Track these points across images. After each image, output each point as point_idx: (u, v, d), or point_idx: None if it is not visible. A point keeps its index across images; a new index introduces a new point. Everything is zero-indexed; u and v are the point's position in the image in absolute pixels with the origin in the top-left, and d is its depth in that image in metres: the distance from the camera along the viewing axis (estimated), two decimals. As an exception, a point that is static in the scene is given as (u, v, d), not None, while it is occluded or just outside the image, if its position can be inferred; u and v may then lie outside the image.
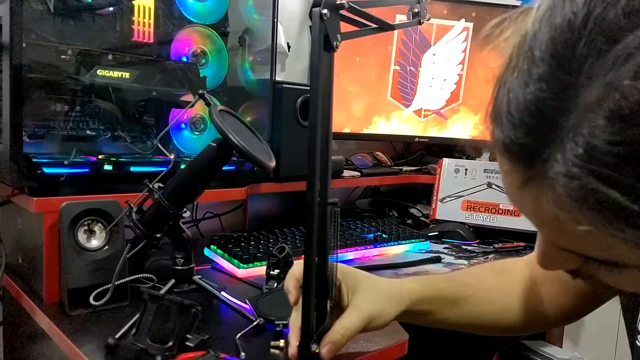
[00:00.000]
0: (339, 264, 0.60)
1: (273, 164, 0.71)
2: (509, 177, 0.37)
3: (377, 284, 0.64)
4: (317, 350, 0.57)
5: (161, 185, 0.71)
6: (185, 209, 0.72)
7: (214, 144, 0.69)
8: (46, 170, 0.80)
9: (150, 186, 0.70)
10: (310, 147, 0.56)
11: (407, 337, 0.72)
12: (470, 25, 1.51)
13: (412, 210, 1.49)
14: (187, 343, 0.62)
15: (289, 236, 1.12)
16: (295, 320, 0.59)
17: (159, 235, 0.71)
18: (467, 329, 0.72)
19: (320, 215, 0.57)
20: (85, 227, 0.77)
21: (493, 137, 0.37)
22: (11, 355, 0.99)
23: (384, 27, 0.68)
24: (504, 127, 0.35)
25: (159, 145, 0.70)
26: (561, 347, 1.49)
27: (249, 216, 1.31)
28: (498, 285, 0.72)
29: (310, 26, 0.55)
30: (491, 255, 1.19)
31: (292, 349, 0.58)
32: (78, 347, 0.65)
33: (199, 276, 0.79)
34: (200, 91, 0.71)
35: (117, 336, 0.64)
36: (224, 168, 1.03)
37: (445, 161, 1.37)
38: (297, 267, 0.61)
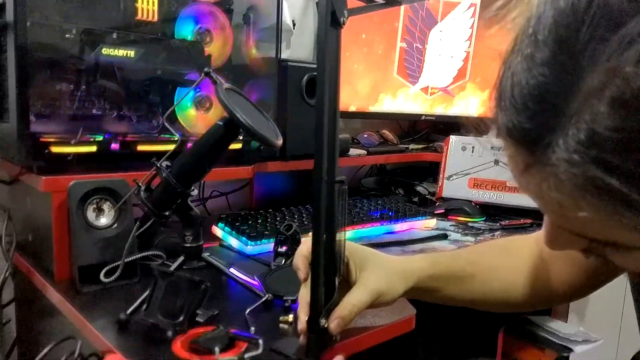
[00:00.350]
0: (347, 241, 0.60)
1: (280, 142, 0.71)
2: (512, 161, 0.38)
3: (384, 261, 0.64)
4: (326, 325, 0.57)
5: (169, 163, 0.71)
6: (193, 187, 0.72)
7: (221, 123, 0.69)
8: (54, 149, 0.81)
9: (158, 165, 0.70)
10: (317, 125, 0.56)
11: (414, 312, 0.73)
12: (478, 1, 1.49)
13: (418, 188, 1.49)
14: (197, 318, 0.63)
15: (296, 214, 1.12)
16: (304, 296, 0.60)
17: (167, 213, 0.71)
18: (474, 305, 0.73)
19: (327, 193, 0.57)
20: (94, 206, 0.78)
21: (497, 120, 0.37)
22: (24, 331, 1.01)
23: (391, 2, 0.67)
24: (507, 111, 0.35)
25: (166, 123, 0.70)
26: (566, 322, 1.50)
27: (256, 195, 1.31)
28: (505, 263, 0.72)
29: (316, 2, 0.54)
30: (498, 232, 1.19)
31: (301, 324, 0.58)
32: (90, 323, 0.66)
33: (208, 253, 0.80)
34: (206, 69, 0.70)
35: (128, 312, 0.65)
36: (230, 147, 1.04)
37: (452, 139, 1.36)
38: (305, 245, 0.62)
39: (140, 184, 0.71)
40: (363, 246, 0.65)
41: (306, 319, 0.58)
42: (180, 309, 0.62)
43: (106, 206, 0.79)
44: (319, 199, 0.57)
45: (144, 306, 0.63)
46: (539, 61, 0.33)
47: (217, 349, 0.54)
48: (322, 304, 0.58)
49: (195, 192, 0.72)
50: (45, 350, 0.49)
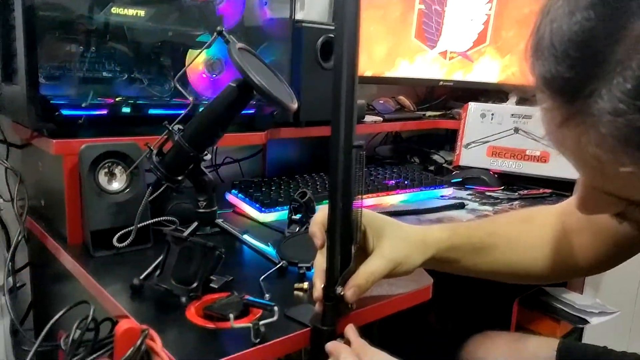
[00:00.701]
0: (364, 210, 0.58)
1: (295, 105, 0.69)
2: (548, 115, 0.35)
3: (403, 230, 0.63)
4: (342, 293, 0.56)
5: (181, 127, 0.69)
6: (206, 152, 0.70)
7: (234, 84, 0.66)
8: (64, 112, 0.79)
9: (170, 128, 0.68)
10: (335, 86, 0.54)
11: (431, 281, 0.72)
12: (501, -40, 1.42)
13: (435, 157, 1.46)
14: (211, 285, 0.62)
15: (310, 182, 1.10)
16: (320, 263, 0.59)
17: (180, 178, 0.69)
18: (493, 277, 0.71)
19: (345, 158, 0.55)
20: (106, 170, 0.76)
21: (533, 71, 0.35)
22: (39, 295, 1.01)
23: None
24: (545, 60, 0.33)
25: (177, 85, 0.68)
26: (581, 294, 1.49)
27: (268, 162, 1.29)
28: (527, 235, 0.70)
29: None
30: (516, 202, 1.16)
31: (317, 291, 0.57)
32: (103, 288, 0.65)
33: (221, 220, 0.78)
34: (218, 28, 0.67)
35: (141, 277, 0.64)
36: (242, 112, 1.02)
37: (471, 105, 1.32)
38: (322, 212, 0.60)
39: (152, 147, 0.69)
40: (381, 214, 0.63)
41: (322, 286, 0.57)
42: (194, 274, 0.61)
43: (118, 170, 0.77)
44: (336, 164, 0.55)
45: (157, 272, 0.62)
46: (583, 4, 0.31)
47: (231, 316, 0.53)
48: (338, 272, 0.56)
49: (208, 157, 0.70)
50: (57, 315, 0.48)
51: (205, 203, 0.71)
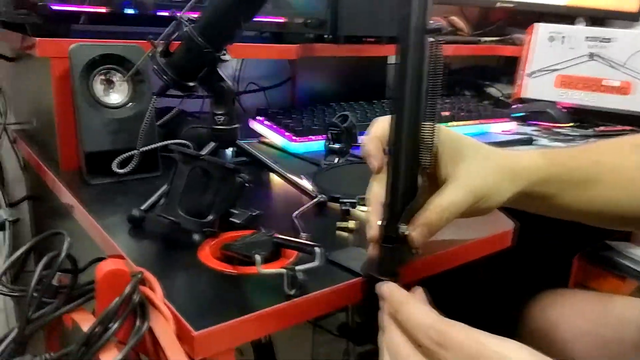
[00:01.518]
0: (438, 125, 0.42)
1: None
2: None
3: (488, 153, 0.47)
4: (407, 233, 0.41)
5: (193, 18, 0.53)
6: (224, 51, 0.54)
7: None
8: (53, 6, 0.63)
9: (179, 17, 0.52)
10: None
11: (512, 225, 0.56)
12: None
13: (489, 90, 1.26)
14: (231, 219, 0.48)
15: (348, 110, 0.94)
16: (376, 193, 0.44)
17: (192, 84, 0.54)
18: (592, 219, 0.55)
19: (417, 47, 0.40)
20: (103, 77, 0.61)
21: None
22: (40, 232, 0.89)
23: None
24: None
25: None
26: (646, 250, 1.32)
27: (299, 91, 1.13)
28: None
29: None
30: (592, 140, 0.98)
31: (373, 230, 0.42)
32: (97, 220, 0.51)
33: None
34: None
35: (143, 207, 0.50)
36: (270, 20, 0.84)
37: (539, 27, 1.11)
38: (380, 124, 0.45)
39: (155, 44, 0.54)
40: (459, 133, 0.47)
41: (379, 223, 0.42)
42: (210, 205, 0.46)
43: (117, 78, 0.62)
44: (405, 55, 0.40)
45: (162, 200, 0.48)
46: None
47: (258, 257, 0.39)
48: (401, 206, 0.41)
49: (227, 58, 0.54)
50: (19, 252, 0.35)
51: (223, 118, 0.55)
